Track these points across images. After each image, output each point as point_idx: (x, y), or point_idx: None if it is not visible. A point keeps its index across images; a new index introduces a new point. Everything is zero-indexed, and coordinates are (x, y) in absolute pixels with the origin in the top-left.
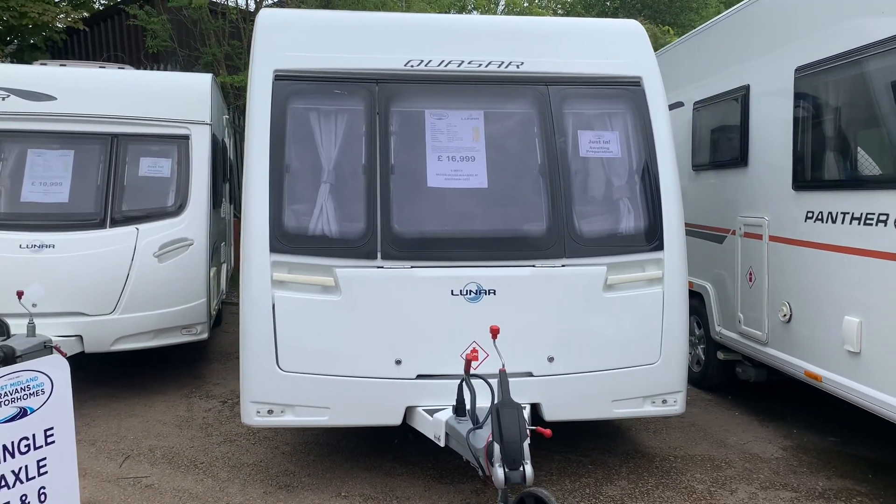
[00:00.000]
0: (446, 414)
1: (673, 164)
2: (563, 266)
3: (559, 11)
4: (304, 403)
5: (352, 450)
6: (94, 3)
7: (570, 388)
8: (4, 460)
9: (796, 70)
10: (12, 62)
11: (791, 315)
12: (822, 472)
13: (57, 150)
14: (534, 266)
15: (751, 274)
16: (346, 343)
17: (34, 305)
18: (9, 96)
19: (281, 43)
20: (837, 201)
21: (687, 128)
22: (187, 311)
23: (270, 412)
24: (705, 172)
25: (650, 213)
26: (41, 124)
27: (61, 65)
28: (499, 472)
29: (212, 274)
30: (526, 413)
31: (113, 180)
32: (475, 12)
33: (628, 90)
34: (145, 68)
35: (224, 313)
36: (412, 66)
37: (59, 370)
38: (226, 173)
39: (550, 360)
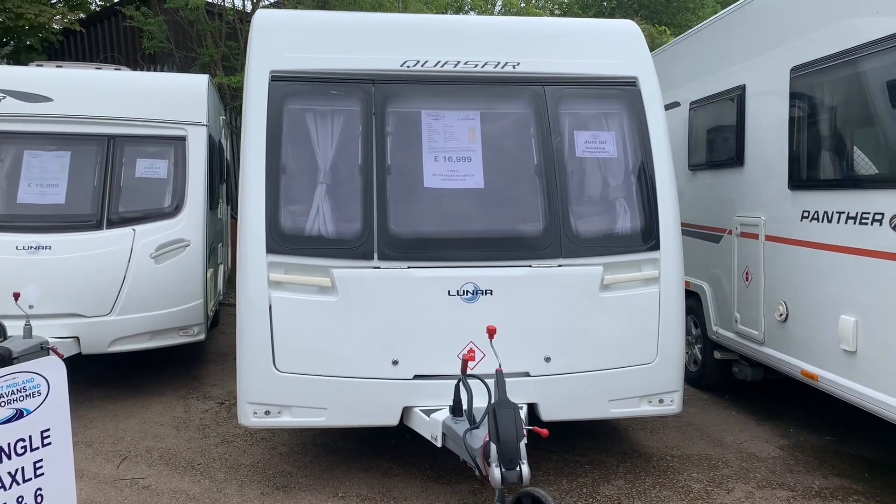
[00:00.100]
0: (443, 414)
1: (669, 164)
2: (559, 266)
3: (556, 12)
4: (301, 404)
5: (349, 450)
6: (91, 4)
7: (566, 388)
8: (1, 462)
9: (792, 70)
10: (8, 63)
11: (787, 314)
12: (818, 471)
13: (53, 151)
14: (530, 266)
15: (747, 273)
16: (342, 344)
17: (31, 307)
18: (5, 98)
19: (277, 44)
20: (833, 201)
21: (683, 128)
22: (184, 313)
23: (267, 413)
24: (702, 172)
25: (646, 213)
26: (37, 126)
27: (57, 66)
28: (495, 472)
29: (209, 275)
30: (523, 413)
31: (109, 181)
32: (472, 13)
33: (624, 90)
34: (142, 69)
35: (221, 314)
36: (408, 67)
37: (55, 372)
38: (222, 174)
39: (547, 360)
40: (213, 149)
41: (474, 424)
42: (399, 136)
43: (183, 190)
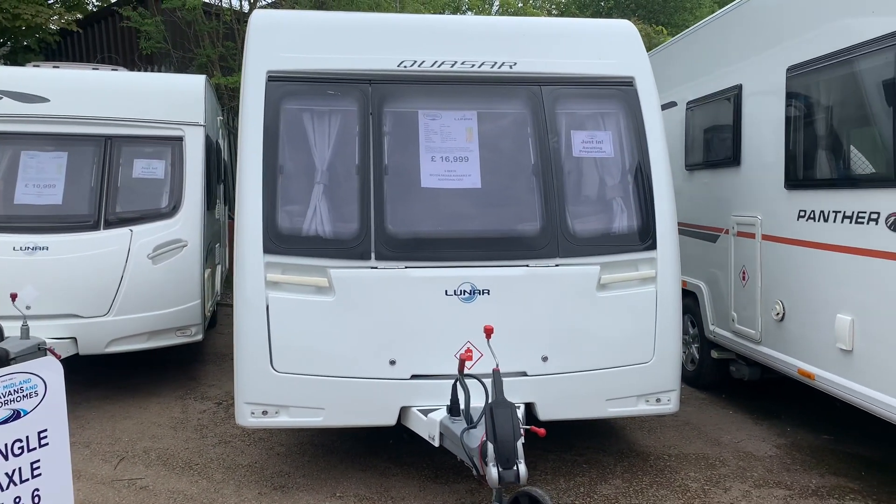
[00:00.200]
0: (441, 414)
1: (666, 164)
2: (556, 266)
3: (553, 12)
4: (299, 404)
5: (347, 450)
6: (88, 4)
7: (563, 388)
8: None
9: (788, 69)
10: (5, 64)
11: (784, 313)
12: (815, 470)
13: (50, 151)
14: (527, 266)
15: (744, 273)
16: (340, 344)
17: (28, 308)
18: (2, 98)
19: (274, 44)
20: (829, 200)
21: (680, 127)
22: (182, 313)
23: (265, 413)
24: (698, 172)
25: (643, 212)
26: (34, 126)
27: (54, 66)
28: (493, 472)
29: (206, 275)
30: (520, 412)
31: (107, 182)
32: (469, 13)
33: (621, 90)
34: (139, 70)
35: (219, 315)
36: (405, 67)
37: (52, 372)
38: (220, 174)
39: (544, 359)
40: (211, 149)
41: (471, 424)
42: (396, 136)
43: (180, 190)
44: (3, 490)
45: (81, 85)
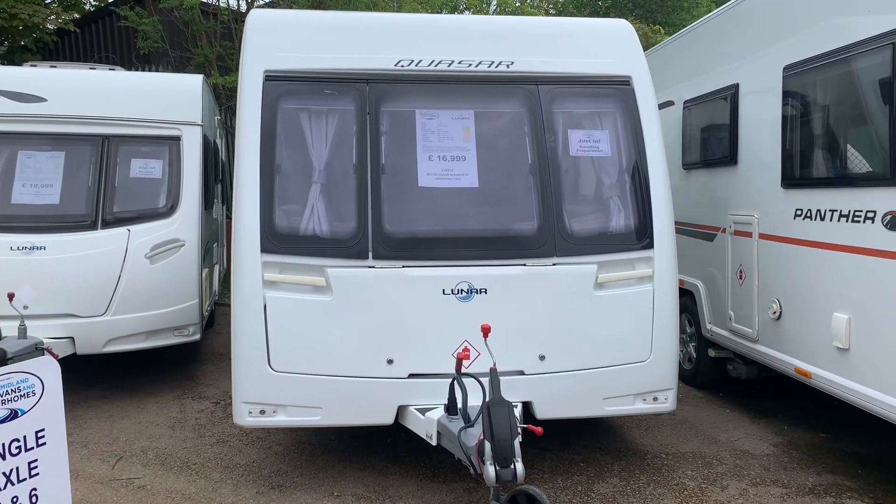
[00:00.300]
0: (438, 413)
1: (663, 163)
2: (553, 265)
3: (551, 11)
4: (296, 403)
5: (344, 449)
6: (85, 4)
7: (561, 387)
8: None
9: (784, 69)
10: (2, 64)
11: (781, 312)
12: (812, 468)
13: (47, 151)
14: (525, 265)
15: (741, 271)
16: (337, 343)
17: (25, 307)
18: None
19: (271, 43)
20: (826, 199)
21: (677, 126)
22: (179, 313)
23: (262, 412)
24: (696, 171)
25: (640, 211)
26: (31, 126)
27: (51, 66)
28: (490, 470)
29: (204, 275)
30: (518, 411)
31: (104, 182)
32: (467, 12)
33: (618, 89)
34: (137, 69)
35: (217, 314)
36: (403, 66)
37: (50, 372)
38: (218, 174)
39: (542, 358)
40: (208, 149)
41: (469, 423)
42: (393, 135)
43: (178, 190)
44: (0, 490)
45: (78, 84)
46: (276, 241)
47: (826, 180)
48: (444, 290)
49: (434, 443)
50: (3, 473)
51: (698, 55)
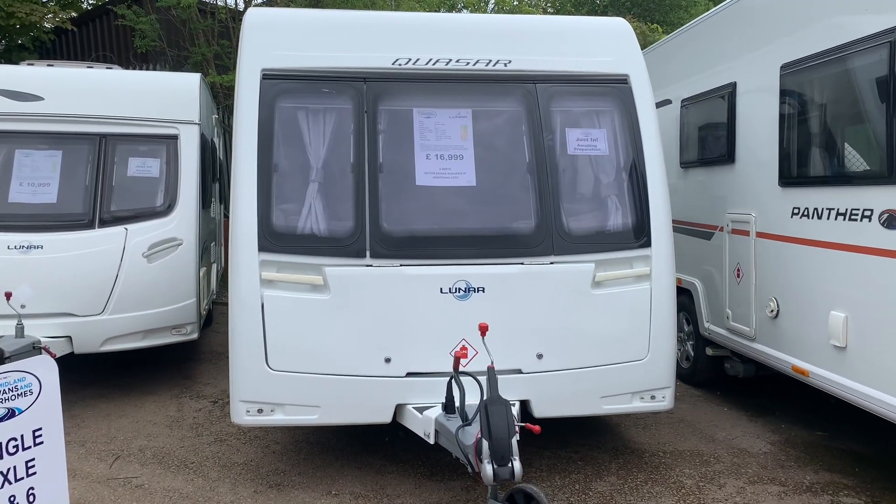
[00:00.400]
0: (436, 411)
1: (660, 162)
2: (551, 263)
3: (549, 10)
4: (294, 402)
5: (342, 448)
6: (82, 2)
7: (558, 385)
8: None
9: (782, 67)
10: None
11: (778, 310)
12: (809, 466)
13: (45, 150)
14: (522, 263)
15: (738, 270)
16: (335, 342)
17: (23, 306)
18: None
19: (268, 42)
20: (823, 197)
21: (675, 125)
22: (177, 312)
23: (260, 411)
24: (693, 169)
25: (637, 210)
26: (29, 125)
27: (48, 65)
28: (487, 469)
29: (202, 274)
30: (515, 410)
31: (101, 180)
32: (465, 10)
33: (615, 88)
34: (134, 68)
35: (215, 313)
36: (400, 65)
37: (47, 371)
38: (215, 173)
39: (539, 356)
40: (206, 147)
41: (466, 421)
42: (391, 134)
43: (175, 189)
44: None
45: (76, 83)
46: (273, 239)
47: (823, 179)
48: (441, 289)
49: (432, 441)
50: (1, 473)
51: (696, 54)
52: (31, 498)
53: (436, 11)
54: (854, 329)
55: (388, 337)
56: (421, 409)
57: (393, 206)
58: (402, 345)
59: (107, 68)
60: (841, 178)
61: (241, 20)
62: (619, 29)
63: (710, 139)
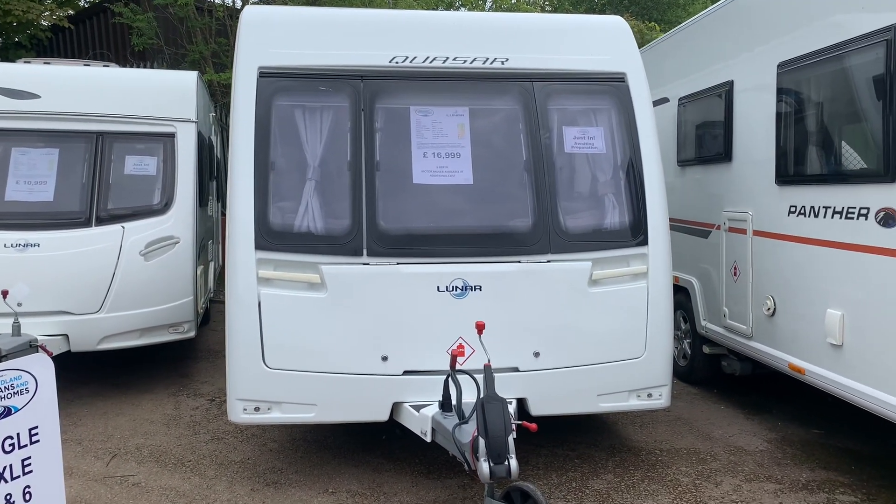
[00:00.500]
0: (433, 409)
1: (657, 160)
2: (548, 261)
3: (547, 8)
4: (291, 400)
5: (339, 446)
6: (80, 0)
7: (555, 383)
8: None
9: (779, 66)
10: None
11: (775, 309)
12: (805, 464)
13: (41, 148)
14: (519, 262)
15: (735, 268)
16: (332, 340)
17: (19, 305)
18: None
19: (265, 40)
20: (820, 195)
21: (672, 123)
22: (174, 310)
23: (257, 409)
24: (690, 168)
25: (634, 208)
26: (25, 123)
27: (45, 63)
28: (484, 467)
29: (199, 272)
30: (512, 408)
31: (98, 179)
32: (463, 9)
33: (613, 86)
34: (131, 66)
35: (212, 311)
36: (397, 63)
37: (43, 369)
38: (213, 171)
39: (536, 355)
40: (203, 145)
41: (463, 419)
42: (388, 132)
43: (172, 187)
44: None
45: (72, 81)
46: (270, 237)
47: (820, 177)
48: (438, 287)
49: (429, 439)
50: None
51: (693, 52)
52: (27, 496)
53: (433, 9)
54: (850, 327)
55: (385, 335)
56: (418, 408)
57: (390, 205)
58: (399, 343)
59: (104, 66)
60: (838, 176)
61: (238, 18)
62: (616, 27)
63: (707, 137)
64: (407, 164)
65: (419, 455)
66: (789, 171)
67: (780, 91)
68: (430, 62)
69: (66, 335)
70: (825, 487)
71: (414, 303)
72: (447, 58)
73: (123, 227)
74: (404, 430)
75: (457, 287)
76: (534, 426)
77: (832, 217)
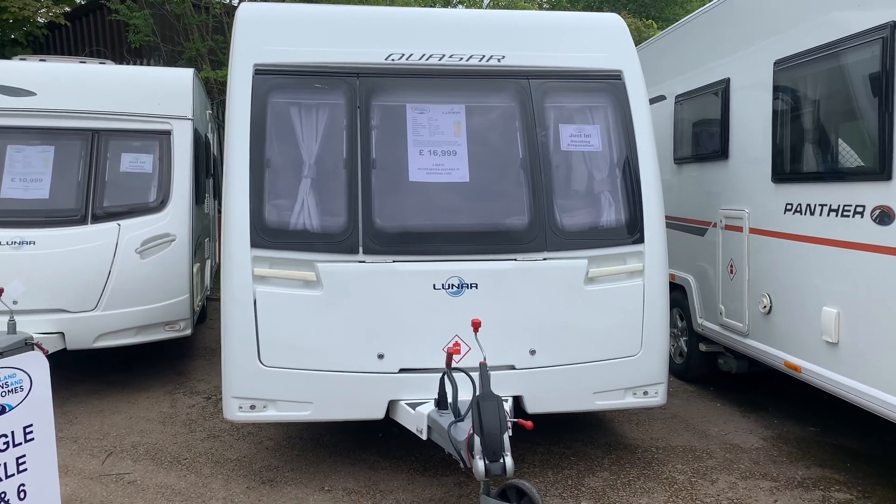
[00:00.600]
0: (428, 407)
1: (653, 158)
2: (544, 259)
3: (544, 5)
4: (287, 398)
5: (335, 444)
6: None
7: (551, 381)
8: None
9: (775, 63)
10: None
11: (771, 306)
12: (801, 462)
13: (37, 145)
14: (515, 260)
15: (731, 266)
16: (328, 338)
17: (15, 302)
18: None
19: (261, 37)
20: (816, 193)
21: (669, 121)
22: (170, 308)
23: (253, 407)
24: (687, 165)
25: (631, 206)
26: (21, 120)
27: (41, 60)
28: (479, 465)
29: (195, 270)
30: (507, 406)
31: (94, 176)
32: (460, 6)
33: (609, 83)
34: (128, 63)
35: (209, 309)
36: (393, 60)
37: (38, 367)
38: (209, 168)
39: (532, 352)
40: (199, 143)
41: (459, 417)
42: (384, 129)
43: (168, 184)
44: None
45: (68, 78)
46: (265, 235)
47: (816, 175)
48: (434, 285)
49: (424, 437)
50: None
51: (690, 50)
52: (21, 494)
53: (430, 7)
54: (846, 325)
55: (380, 333)
56: (414, 405)
57: (386, 202)
58: (394, 341)
59: (100, 63)
60: (833, 174)
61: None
62: (612, 24)
63: (703, 135)
64: (403, 161)
65: (415, 453)
66: (785, 169)
67: (777, 89)
68: (427, 59)
69: (62, 333)
70: (820, 485)
71: (410, 301)
72: (443, 55)
73: (119, 225)
74: (400, 428)
75: (453, 285)
76: (529, 424)
77: (828, 215)
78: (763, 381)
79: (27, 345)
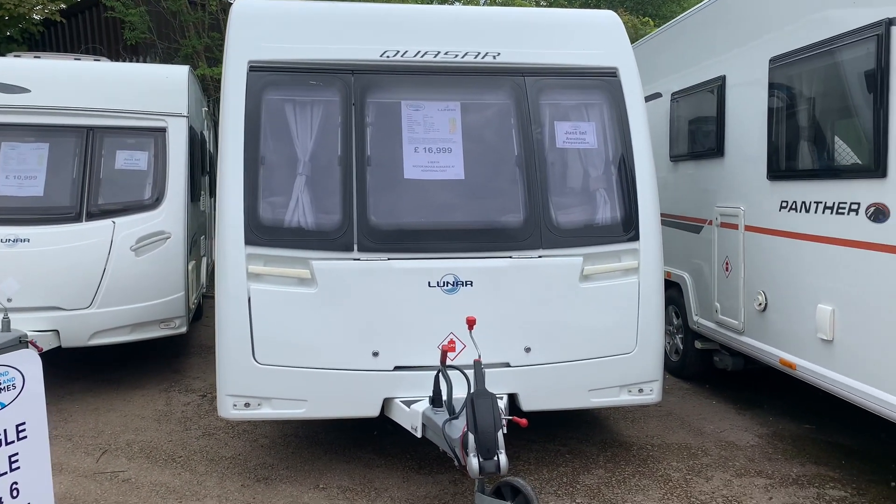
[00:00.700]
0: (423, 405)
1: (648, 155)
2: (539, 257)
3: (542, 2)
4: (281, 396)
5: (330, 442)
6: None
7: (546, 378)
8: None
9: (770, 60)
10: None
11: (766, 304)
12: (796, 459)
13: (31, 143)
14: (510, 257)
15: (727, 263)
16: (322, 335)
17: (9, 300)
18: None
19: (255, 34)
20: (811, 191)
21: (665, 119)
22: (165, 305)
23: (247, 405)
24: (683, 163)
25: (626, 203)
26: (15, 117)
27: (35, 57)
28: (473, 462)
29: (190, 267)
30: (502, 403)
31: (89, 173)
32: (456, 3)
33: (604, 81)
34: (124, 60)
35: (204, 307)
36: (388, 57)
37: (30, 365)
38: (205, 166)
39: (527, 350)
40: (195, 140)
41: (453, 415)
42: (379, 126)
43: (163, 182)
44: None
45: (63, 75)
46: (260, 233)
47: (811, 172)
48: (429, 283)
49: (419, 435)
50: None
51: (686, 47)
52: (14, 493)
53: (427, 3)
54: (841, 322)
55: (375, 331)
56: (408, 403)
57: (381, 200)
58: (389, 338)
59: (94, 60)
60: (829, 171)
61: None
62: (608, 22)
63: (699, 133)
64: (398, 159)
65: (410, 451)
66: (781, 167)
67: (772, 86)
68: (422, 56)
69: (57, 331)
70: (815, 482)
71: (405, 298)
72: (438, 52)
73: (114, 223)
74: (395, 426)
75: (448, 282)
76: (524, 421)
77: (823, 212)
78: (758, 378)
79: (21, 342)
